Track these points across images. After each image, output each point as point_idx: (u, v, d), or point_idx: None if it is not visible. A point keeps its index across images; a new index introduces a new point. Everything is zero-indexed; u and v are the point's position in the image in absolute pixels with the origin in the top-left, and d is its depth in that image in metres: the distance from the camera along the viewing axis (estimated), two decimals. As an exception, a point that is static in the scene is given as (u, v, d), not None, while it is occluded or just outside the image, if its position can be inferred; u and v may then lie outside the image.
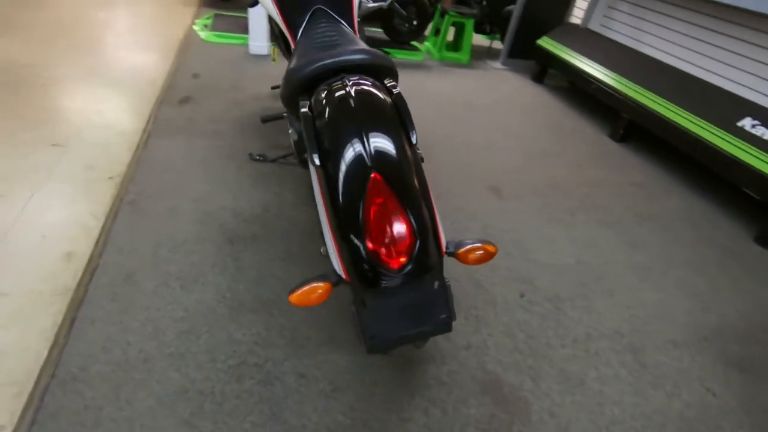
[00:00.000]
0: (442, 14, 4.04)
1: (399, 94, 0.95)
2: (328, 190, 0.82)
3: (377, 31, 4.33)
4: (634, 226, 2.24)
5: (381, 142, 0.85)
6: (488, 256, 0.91)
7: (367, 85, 0.98)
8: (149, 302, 1.38)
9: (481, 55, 4.61)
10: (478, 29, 4.57)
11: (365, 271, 0.80)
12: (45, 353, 1.18)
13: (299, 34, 1.43)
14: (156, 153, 2.08)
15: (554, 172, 2.60)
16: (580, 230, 2.13)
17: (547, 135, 3.09)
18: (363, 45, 1.23)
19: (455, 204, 2.13)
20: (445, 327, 0.92)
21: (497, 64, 4.35)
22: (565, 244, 2.01)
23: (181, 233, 1.65)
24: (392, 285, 0.80)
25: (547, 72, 4.04)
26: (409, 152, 0.85)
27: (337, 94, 0.93)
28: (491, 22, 4.46)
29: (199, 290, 1.45)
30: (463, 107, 3.27)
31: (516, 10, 4.09)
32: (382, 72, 1.15)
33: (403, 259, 0.78)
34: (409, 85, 3.49)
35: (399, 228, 0.79)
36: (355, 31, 1.45)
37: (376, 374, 1.30)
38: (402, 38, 4.12)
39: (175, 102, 2.55)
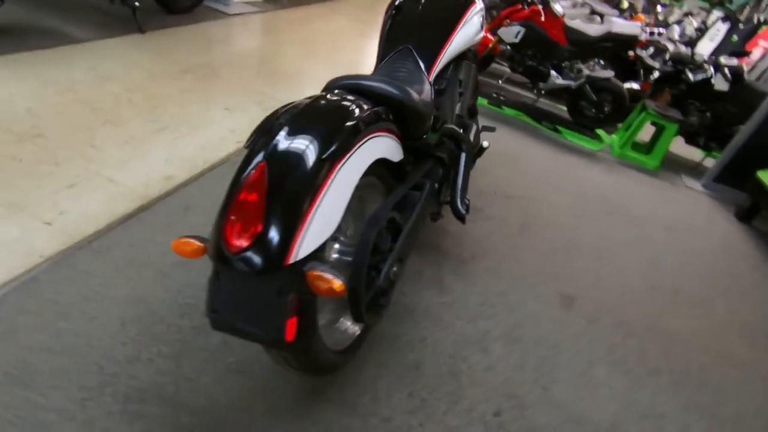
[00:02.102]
0: (642, 109, 3.59)
1: (358, 122, 0.98)
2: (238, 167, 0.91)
3: (561, 109, 4.13)
4: (748, 436, 1.56)
5: (291, 143, 0.89)
6: (331, 293, 0.83)
7: (339, 101, 1.04)
8: (182, 230, 1.68)
9: (679, 168, 3.88)
10: (691, 140, 3.86)
11: (213, 242, 0.85)
12: (97, 228, 1.59)
13: (381, 64, 1.56)
14: (283, 138, 2.51)
15: (672, 320, 2.01)
16: (648, 394, 1.60)
17: (703, 278, 2.40)
18: (409, 87, 1.28)
19: (500, 288, 1.88)
20: (273, 341, 0.87)
21: (696, 184, 3.58)
22: (610, 397, 1.55)
23: (245, 197, 1.96)
24: (231, 267, 0.83)
25: (760, 212, 3.12)
26: (317, 163, 0.87)
27: (311, 98, 1.03)
28: (710, 137, 3.71)
29: (220, 241, 1.70)
30: (607, 208, 2.83)
31: (746, 128, 3.31)
32: (394, 105, 1.18)
33: (241, 244, 0.80)
34: (561, 166, 3.22)
35: (251, 216, 0.82)
36: (429, 75, 1.49)
37: (284, 384, 1.28)
38: (584, 122, 3.82)
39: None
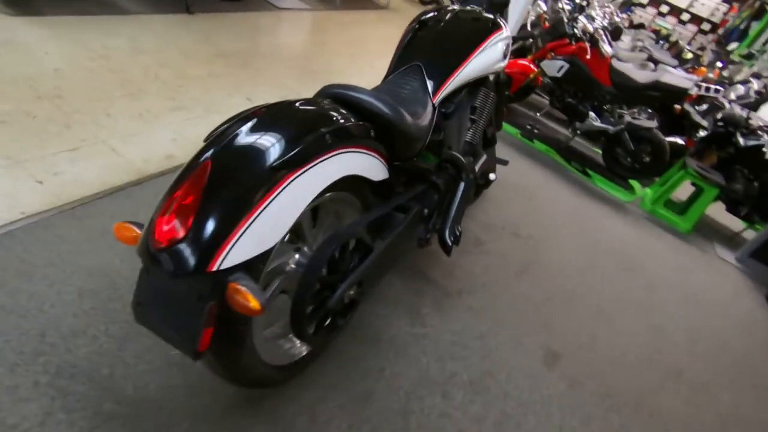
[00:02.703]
0: (683, 167, 3.36)
1: (327, 134, 0.93)
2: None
3: (596, 152, 3.94)
4: None
5: (246, 144, 0.85)
6: (246, 310, 0.77)
7: (318, 109, 1.00)
8: (166, 212, 1.69)
9: (714, 235, 3.60)
10: (732, 208, 3.59)
11: (143, 234, 0.82)
12: (84, 195, 1.61)
13: (388, 78, 1.51)
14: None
15: (666, 401, 1.83)
16: (615, 480, 1.45)
17: (713, 360, 2.19)
18: (406, 106, 1.22)
19: (480, 330, 1.77)
20: (186, 348, 0.82)
21: (729, 256, 3.32)
22: (570, 475, 1.41)
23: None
24: (152, 263, 0.79)
25: (795, 300, 2.84)
26: (267, 170, 0.82)
27: (289, 101, 0.99)
28: (754, 208, 3.43)
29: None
30: (623, 264, 2.64)
31: (794, 208, 3.04)
32: (380, 122, 1.13)
33: (165, 242, 0.76)
34: (582, 212, 3.05)
35: (183, 215, 0.77)
36: (431, 97, 1.42)
37: (220, 388, 1.23)
38: (618, 170, 3.62)
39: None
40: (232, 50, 3.10)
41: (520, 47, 4.05)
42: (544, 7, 3.96)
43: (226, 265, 0.79)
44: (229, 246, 0.79)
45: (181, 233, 0.77)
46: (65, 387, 1.11)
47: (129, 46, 2.60)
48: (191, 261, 0.77)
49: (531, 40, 3.80)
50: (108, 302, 1.33)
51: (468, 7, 1.77)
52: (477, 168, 1.78)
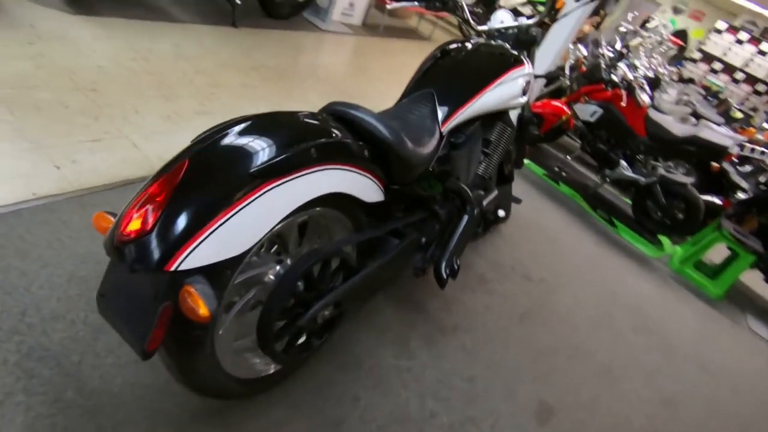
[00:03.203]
0: (718, 227, 3.16)
1: (314, 148, 0.92)
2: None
3: (626, 202, 3.77)
4: None
5: (228, 148, 0.85)
6: (194, 314, 0.74)
7: (312, 123, 1.00)
8: (171, 210, 1.72)
9: (748, 306, 3.33)
10: (771, 277, 3.33)
11: (112, 226, 0.81)
12: (95, 184, 1.66)
13: (400, 102, 1.51)
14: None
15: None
16: None
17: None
18: (409, 130, 1.22)
19: (470, 372, 1.67)
20: (135, 347, 0.80)
21: (762, 330, 3.05)
22: None
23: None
24: (117, 255, 0.78)
25: (835, 389, 2.55)
26: (244, 176, 0.81)
27: (282, 112, 1.00)
28: (795, 281, 3.17)
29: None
30: (639, 324, 2.47)
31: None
32: (377, 143, 1.11)
33: (129, 235, 0.75)
34: (602, 262, 2.90)
35: (150, 211, 0.76)
36: (439, 125, 1.40)
37: (186, 393, 1.20)
38: (647, 224, 3.45)
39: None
40: (269, 65, 3.22)
41: (557, 89, 4.01)
42: (585, 52, 3.93)
43: (185, 266, 0.77)
44: (191, 247, 0.77)
45: (146, 229, 0.76)
46: (32, 369, 1.12)
47: (172, 51, 2.75)
48: (150, 258, 0.75)
49: (567, 82, 3.76)
50: (94, 291, 1.32)
51: (494, 42, 1.76)
52: (486, 203, 1.72)
